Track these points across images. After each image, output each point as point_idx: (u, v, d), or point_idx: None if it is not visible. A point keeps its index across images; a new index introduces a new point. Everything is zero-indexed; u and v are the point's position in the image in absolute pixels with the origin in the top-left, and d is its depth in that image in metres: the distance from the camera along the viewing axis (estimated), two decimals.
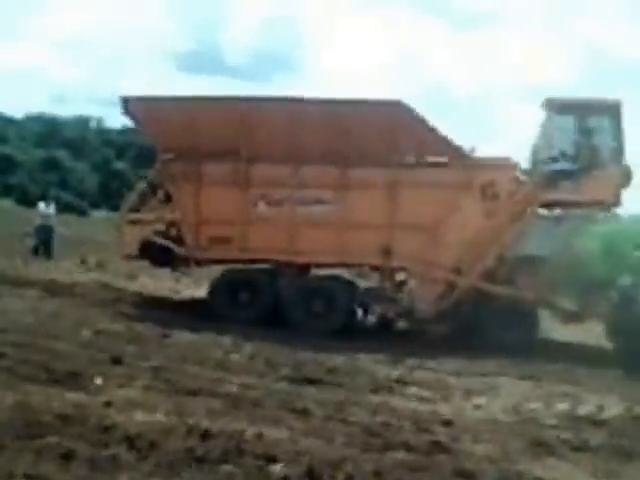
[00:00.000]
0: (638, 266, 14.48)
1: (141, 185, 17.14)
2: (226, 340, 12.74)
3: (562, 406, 9.90)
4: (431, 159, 15.51)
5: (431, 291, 15.39)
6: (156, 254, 16.42)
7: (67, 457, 6.21)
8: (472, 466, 6.91)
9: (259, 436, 7.23)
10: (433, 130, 15.08)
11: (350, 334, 15.01)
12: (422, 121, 15.07)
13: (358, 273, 17.47)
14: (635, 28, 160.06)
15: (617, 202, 15.27)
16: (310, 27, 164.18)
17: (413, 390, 10.36)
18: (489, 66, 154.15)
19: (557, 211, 15.94)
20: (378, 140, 15.16)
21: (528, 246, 15.13)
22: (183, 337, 12.76)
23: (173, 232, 16.36)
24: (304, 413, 8.41)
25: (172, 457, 6.45)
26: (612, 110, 15.21)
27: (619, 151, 15.08)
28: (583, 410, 9.76)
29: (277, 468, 6.42)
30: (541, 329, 15.38)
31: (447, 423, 8.52)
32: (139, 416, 7.63)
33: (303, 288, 15.89)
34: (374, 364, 11.97)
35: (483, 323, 14.94)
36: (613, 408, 9.88)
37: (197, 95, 16.35)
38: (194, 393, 8.85)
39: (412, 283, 15.81)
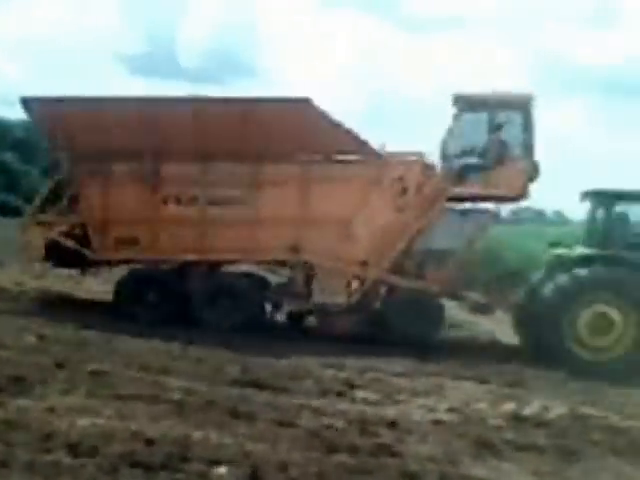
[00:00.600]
0: (549, 263, 15.00)
1: (49, 186, 16.83)
2: (172, 345, 12.61)
3: (507, 407, 10.00)
4: (341, 156, 15.59)
5: (339, 285, 15.52)
6: (62, 256, 16.28)
7: (5, 464, 6.14)
8: (416, 467, 6.95)
9: (203, 440, 7.20)
10: (341, 127, 15.18)
11: (261, 331, 14.99)
12: (329, 118, 15.15)
13: (270, 269, 17.44)
14: (588, 34, 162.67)
15: (525, 196, 15.49)
16: (265, 30, 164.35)
17: (360, 392, 10.35)
18: (442, 70, 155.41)
19: (466, 205, 16.14)
20: (287, 137, 15.19)
21: (437, 240, 15.42)
22: (128, 342, 12.61)
23: (79, 233, 16.18)
24: (250, 417, 8.35)
25: (114, 462, 6.40)
26: (522, 105, 15.29)
27: (529, 145, 15.22)
28: (528, 411, 9.86)
29: (221, 471, 6.40)
30: (487, 331, 15.62)
31: (392, 425, 8.53)
32: (81, 421, 7.53)
33: (213, 286, 15.80)
34: (321, 367, 11.94)
35: (390, 317, 15.19)
36: (557, 409, 10.00)
37: (102, 96, 16.16)
38: (138, 398, 8.74)
39: (321, 278, 15.74)
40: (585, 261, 14.19)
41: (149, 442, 6.98)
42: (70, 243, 16.03)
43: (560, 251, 15.16)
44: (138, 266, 16.41)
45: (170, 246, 15.64)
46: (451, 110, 15.42)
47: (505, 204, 16.25)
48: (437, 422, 9.03)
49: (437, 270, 15.43)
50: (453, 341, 15.83)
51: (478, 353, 14.14)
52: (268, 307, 16.16)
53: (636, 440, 8.80)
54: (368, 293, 15.46)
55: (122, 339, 12.78)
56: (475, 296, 16.30)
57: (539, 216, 55.99)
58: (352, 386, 10.66)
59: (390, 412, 9.32)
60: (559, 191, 79.92)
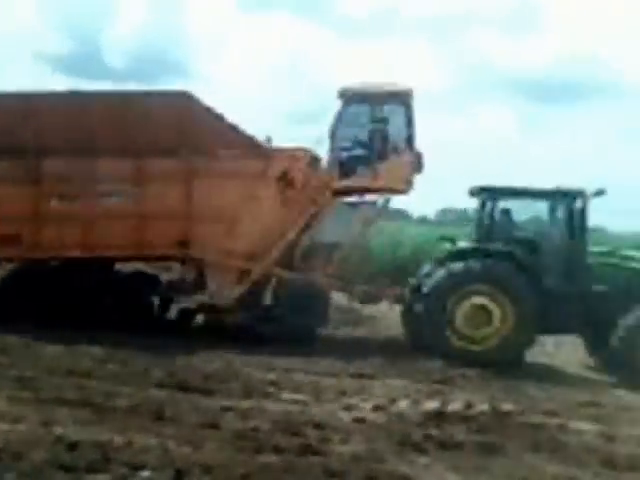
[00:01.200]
0: (436, 257, 15.48)
1: None
2: (97, 349, 12.47)
3: (430, 404, 10.14)
4: (226, 150, 15.45)
5: (226, 280, 15.49)
6: None
7: None
8: (341, 466, 7.02)
9: (127, 444, 7.17)
10: (223, 121, 15.20)
11: (153, 329, 14.86)
12: (210, 112, 15.13)
13: (164, 267, 17.38)
14: (515, 41, 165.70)
15: (409, 188, 15.76)
16: (196, 30, 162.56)
17: (286, 393, 10.40)
18: (372, 74, 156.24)
19: (353, 198, 16.47)
20: (169, 132, 15.07)
21: (325, 233, 15.74)
22: (52, 347, 12.40)
23: None
24: (174, 420, 8.35)
25: (37, 467, 6.36)
26: (403, 98, 15.61)
27: (411, 138, 15.55)
28: (451, 408, 10.02)
29: (145, 474, 6.39)
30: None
31: (318, 425, 8.58)
32: (4, 427, 7.47)
33: (98, 283, 15.62)
34: (249, 368, 11.94)
35: (278, 311, 15.37)
36: (480, 405, 10.19)
37: None
38: (62, 403, 8.67)
39: (210, 274, 15.71)
40: (462, 255, 14.60)
41: (72, 446, 6.94)
42: None
43: (448, 246, 15.61)
44: (21, 264, 16.06)
45: (55, 244, 15.25)
46: (337, 103, 15.62)
47: (393, 196, 16.32)
48: (362, 421, 9.12)
49: (325, 263, 15.65)
50: (375, 340, 16.09)
51: (400, 351, 14.29)
52: (156, 305, 16.10)
53: (554, 436, 9.05)
54: (256, 288, 15.51)
55: (42, 344, 12.52)
56: (363, 287, 16.69)
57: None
58: (278, 387, 10.70)
59: (316, 412, 9.38)
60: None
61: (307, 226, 15.60)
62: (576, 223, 14.70)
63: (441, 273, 14.38)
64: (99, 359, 11.70)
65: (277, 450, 7.42)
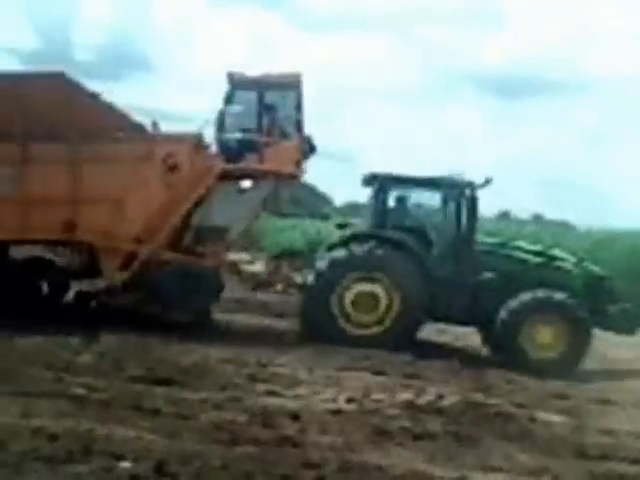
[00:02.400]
0: (328, 244, 15.94)
1: None
2: (74, 340, 12.51)
3: (403, 396, 10.29)
4: (107, 133, 15.44)
5: (113, 263, 15.41)
6: None
7: None
8: (317, 456, 7.17)
9: (107, 436, 7.26)
10: (103, 103, 15.15)
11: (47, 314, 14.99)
12: (89, 94, 15.05)
13: (54, 251, 17.29)
14: (475, 34, 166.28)
15: (300, 172, 16.12)
16: (163, 25, 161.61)
17: (261, 386, 10.50)
18: (335, 68, 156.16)
19: (242, 182, 16.43)
20: (49, 114, 14.81)
21: (214, 216, 15.79)
22: (29, 339, 12.38)
23: None
24: (153, 412, 8.44)
25: (18, 458, 6.45)
26: (292, 84, 15.88)
27: (300, 123, 15.83)
28: (423, 400, 10.19)
29: (126, 465, 6.49)
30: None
31: (295, 417, 8.72)
32: None
33: None
34: (225, 363, 11.98)
35: (161, 291, 15.31)
36: (451, 397, 10.35)
37: None
38: (40, 395, 8.73)
39: (99, 257, 15.67)
40: (350, 241, 14.95)
41: (53, 438, 7.04)
42: None
43: (340, 233, 15.97)
44: None
45: None
46: (225, 87, 15.88)
47: (283, 181, 16.67)
48: (337, 412, 9.26)
49: (214, 246, 15.79)
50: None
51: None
52: (45, 288, 16.34)
53: (525, 426, 9.27)
54: (144, 270, 15.46)
55: (23, 336, 12.50)
56: (255, 270, 16.92)
57: None
58: (254, 380, 10.80)
59: (291, 404, 9.51)
60: None
61: (195, 209, 15.71)
62: (465, 213, 15.08)
63: (325, 260, 14.73)
64: (76, 351, 11.69)
65: (255, 441, 7.55)
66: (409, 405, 9.87)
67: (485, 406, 10.07)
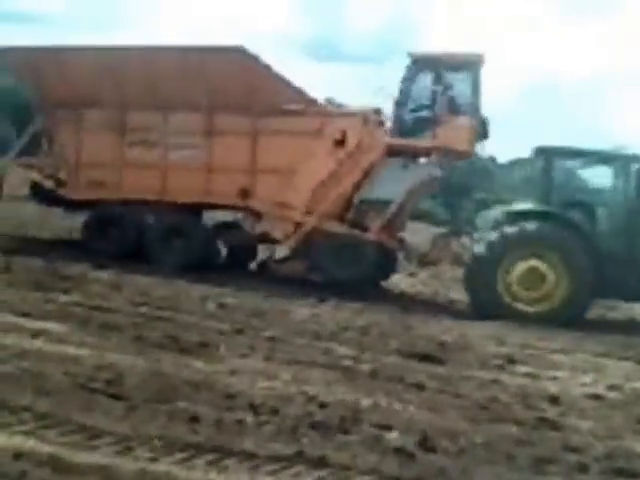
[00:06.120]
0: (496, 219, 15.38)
1: (30, 130, 18.24)
2: (340, 315, 13.20)
3: None
4: (287, 107, 16.16)
5: (283, 232, 16.30)
6: (44, 195, 18.05)
7: (195, 420, 6.69)
8: (579, 442, 7.13)
9: (374, 406, 7.62)
10: (282, 78, 15.93)
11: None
12: (267, 67, 15.82)
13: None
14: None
15: (470, 152, 16.30)
16: None
17: (520, 367, 10.51)
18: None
19: (407, 158, 16.36)
20: (230, 87, 15.91)
21: (377, 190, 16.02)
22: (301, 311, 13.19)
23: (60, 175, 17.67)
24: (417, 386, 8.69)
25: (292, 423, 6.86)
26: (472, 65, 15.76)
27: (475, 105, 15.70)
28: None
29: (393, 436, 6.78)
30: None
31: (554, 400, 8.70)
32: (261, 384, 8.09)
33: (166, 225, 16.91)
34: (483, 340, 12.15)
35: (322, 260, 16.10)
36: None
37: (67, 45, 17.56)
38: (311, 364, 9.24)
39: (267, 224, 16.71)
40: (519, 218, 14.67)
41: (323, 405, 7.46)
42: (48, 184, 17.72)
43: (506, 208, 15.64)
44: (102, 205, 17.49)
45: (133, 187, 16.89)
46: (406, 68, 15.95)
47: (454, 158, 16.88)
48: (597, 398, 9.11)
49: (376, 219, 16.01)
50: (611, 322, 15.74)
51: (637, 334, 13.97)
52: (222, 249, 17.59)
53: None
54: (309, 238, 16.18)
55: (295, 307, 13.44)
56: (416, 246, 16.84)
57: None
58: (512, 360, 10.83)
59: (550, 387, 9.46)
60: None
61: (360, 183, 16.10)
62: (635, 187, 14.54)
63: (494, 235, 14.54)
64: (341, 325, 12.16)
65: (515, 422, 7.63)
66: None
67: None
